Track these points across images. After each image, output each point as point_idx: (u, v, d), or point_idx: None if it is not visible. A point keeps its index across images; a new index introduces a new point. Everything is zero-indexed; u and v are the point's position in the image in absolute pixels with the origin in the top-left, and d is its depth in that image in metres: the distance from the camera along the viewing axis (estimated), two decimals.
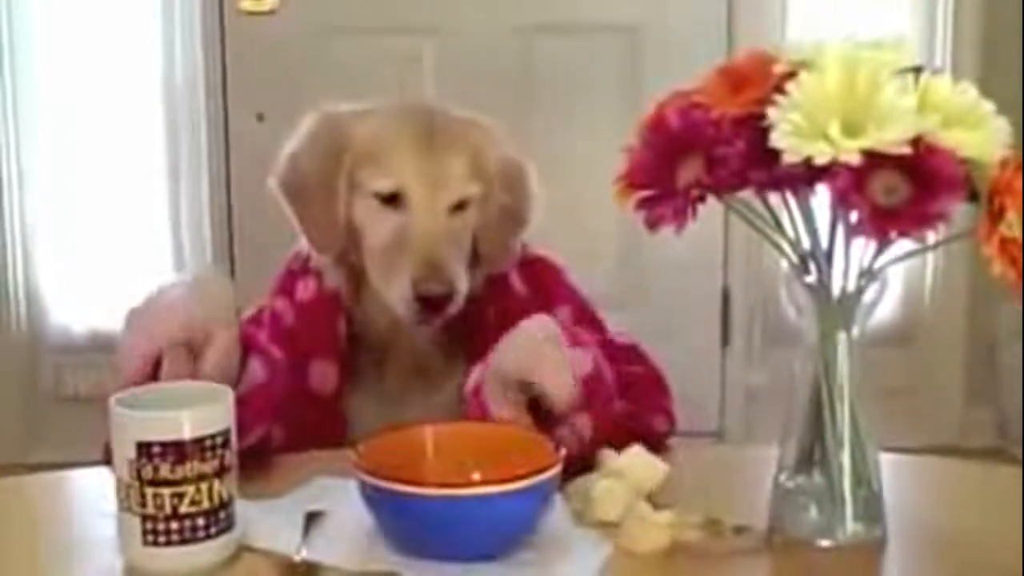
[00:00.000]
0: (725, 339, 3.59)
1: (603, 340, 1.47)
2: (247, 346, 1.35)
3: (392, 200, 1.49)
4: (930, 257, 3.40)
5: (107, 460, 1.40)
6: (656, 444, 1.30)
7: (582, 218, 3.38)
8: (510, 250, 1.57)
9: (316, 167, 1.51)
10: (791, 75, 1.10)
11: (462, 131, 1.54)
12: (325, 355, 1.53)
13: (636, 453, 1.25)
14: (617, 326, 1.60)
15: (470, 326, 1.54)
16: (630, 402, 1.40)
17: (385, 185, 1.49)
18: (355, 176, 1.50)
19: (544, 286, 1.60)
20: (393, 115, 1.54)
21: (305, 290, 1.55)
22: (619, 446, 1.26)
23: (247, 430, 1.33)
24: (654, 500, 1.21)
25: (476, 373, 1.36)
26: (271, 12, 3.42)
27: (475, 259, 1.54)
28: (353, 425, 1.55)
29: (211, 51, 3.41)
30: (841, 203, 1.07)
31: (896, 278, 1.15)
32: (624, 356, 1.47)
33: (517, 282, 1.58)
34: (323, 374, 1.53)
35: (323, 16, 3.43)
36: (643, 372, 1.49)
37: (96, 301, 3.51)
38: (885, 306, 1.19)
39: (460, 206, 1.51)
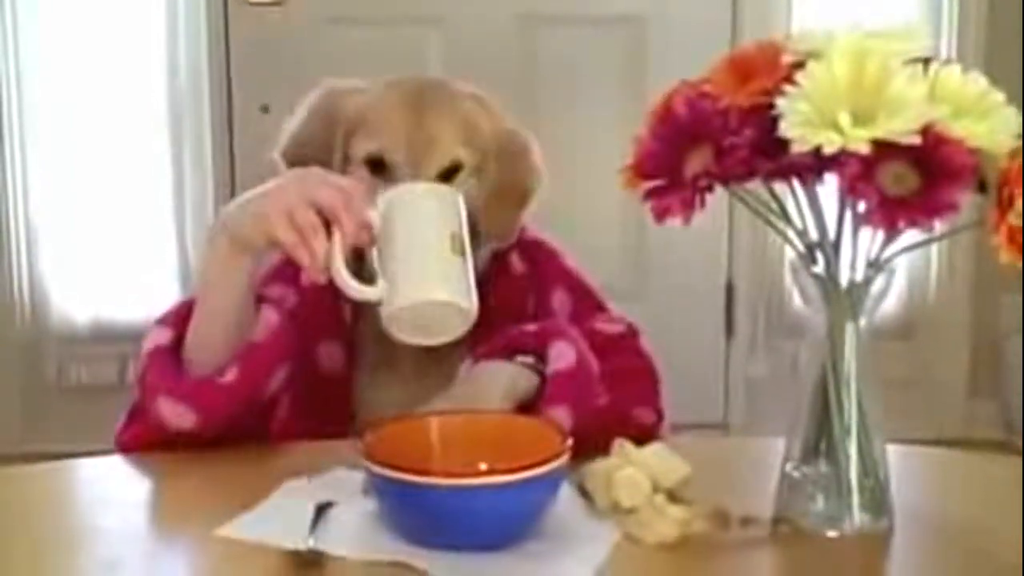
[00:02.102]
0: (729, 331, 3.59)
1: (592, 331, 1.47)
2: (258, 298, 1.41)
3: (379, 167, 1.49)
4: (934, 250, 3.40)
5: (123, 447, 1.41)
6: (642, 437, 1.29)
7: (586, 209, 3.37)
8: (513, 226, 1.56)
9: (313, 139, 1.53)
10: (800, 65, 1.09)
11: (454, 99, 1.53)
12: (331, 336, 1.55)
13: (659, 450, 1.25)
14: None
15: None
16: (616, 395, 1.41)
17: (370, 148, 1.49)
18: (348, 147, 1.51)
19: (542, 268, 1.60)
20: (388, 86, 1.54)
21: (306, 277, 1.54)
22: (603, 439, 1.26)
23: (269, 373, 1.39)
24: (670, 495, 1.21)
25: (466, 365, 1.41)
26: (276, 3, 3.41)
27: (476, 238, 1.53)
28: (360, 405, 1.56)
29: (215, 42, 3.40)
30: (850, 192, 1.07)
31: (900, 271, 1.15)
32: (613, 347, 1.47)
33: (517, 263, 1.59)
34: (330, 355, 1.55)
35: (328, 6, 3.43)
36: (631, 364, 1.50)
37: (99, 292, 3.51)
38: (889, 299, 1.19)
39: (450, 173, 1.49)
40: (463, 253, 1.31)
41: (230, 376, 1.38)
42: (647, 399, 1.48)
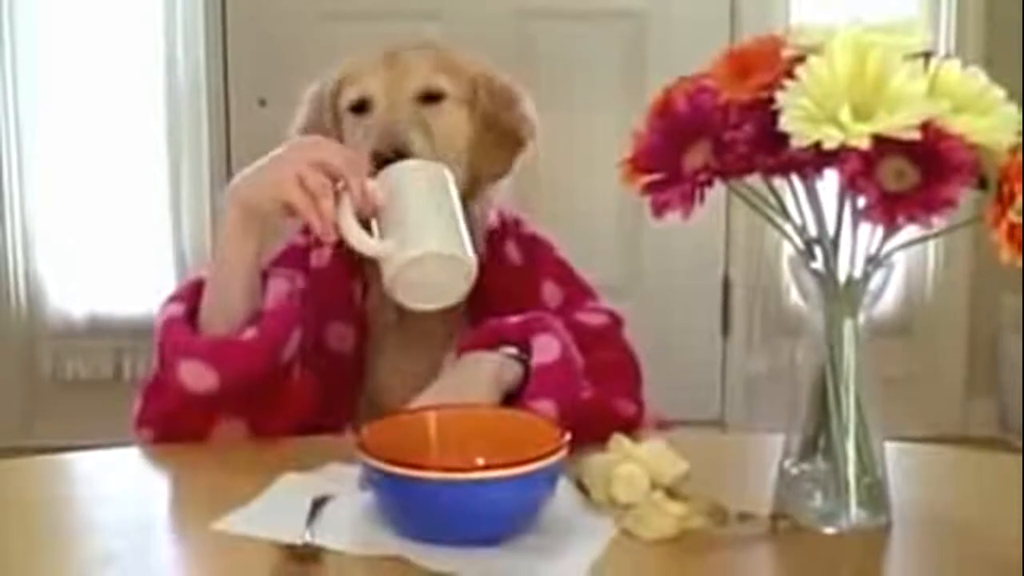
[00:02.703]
0: (726, 327, 3.59)
1: (575, 323, 1.49)
2: (264, 273, 1.44)
3: (361, 109, 1.55)
4: (931, 247, 3.40)
5: (145, 425, 1.43)
6: (624, 429, 1.30)
7: (583, 206, 3.38)
8: (507, 166, 1.60)
9: (311, 122, 1.60)
10: (800, 60, 1.09)
11: (433, 45, 1.62)
12: (342, 317, 1.57)
13: (657, 447, 1.24)
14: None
15: (472, 291, 1.56)
16: (598, 388, 1.42)
17: (353, 94, 1.56)
18: (336, 106, 1.58)
19: (535, 259, 1.63)
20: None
21: (319, 259, 1.59)
22: (585, 432, 1.25)
23: (285, 335, 1.41)
24: (668, 491, 1.21)
25: (451, 357, 1.44)
26: None
27: (473, 184, 1.56)
28: (371, 385, 1.59)
29: (213, 36, 3.40)
30: (850, 188, 1.07)
31: (898, 268, 1.15)
32: (596, 339, 1.49)
33: (514, 254, 1.62)
34: (341, 336, 1.57)
35: (325, 0, 3.42)
36: (614, 357, 1.51)
37: (95, 286, 3.51)
38: (886, 296, 1.19)
39: (430, 99, 1.55)
40: (458, 218, 1.36)
41: (249, 334, 1.39)
42: (628, 391, 1.49)
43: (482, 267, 1.56)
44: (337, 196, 1.32)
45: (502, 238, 1.61)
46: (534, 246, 1.64)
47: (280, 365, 1.42)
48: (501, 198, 1.64)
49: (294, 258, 1.57)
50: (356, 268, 1.58)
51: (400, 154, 1.46)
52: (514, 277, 1.59)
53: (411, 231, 1.32)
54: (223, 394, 1.38)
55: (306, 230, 1.59)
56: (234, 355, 1.38)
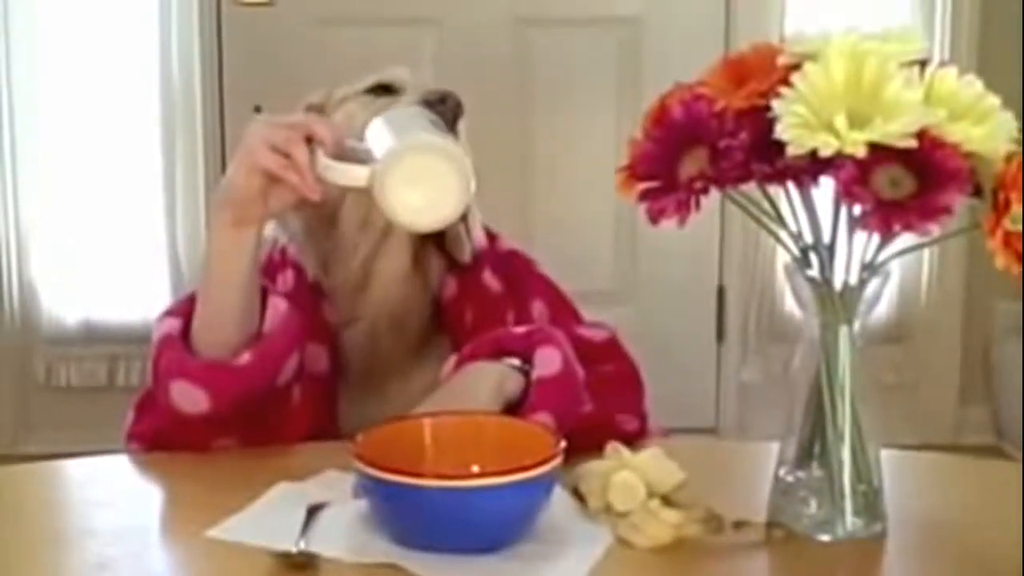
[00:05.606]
0: (720, 335, 3.59)
1: (577, 337, 1.47)
2: (264, 290, 1.42)
3: (383, 90, 1.53)
4: (926, 254, 3.40)
5: (135, 440, 1.42)
6: (626, 444, 1.29)
7: (578, 213, 3.38)
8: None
9: None
10: (796, 67, 1.09)
11: None
12: (314, 338, 1.53)
13: (654, 455, 1.24)
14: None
15: (450, 328, 1.57)
16: (599, 402, 1.41)
17: (376, 79, 1.54)
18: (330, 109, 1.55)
19: (517, 280, 1.61)
20: None
21: (285, 283, 1.56)
22: (586, 446, 1.25)
23: (282, 359, 1.40)
24: (664, 499, 1.21)
25: (450, 363, 1.41)
26: (268, 3, 3.41)
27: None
28: (343, 413, 1.55)
29: (208, 42, 3.40)
30: (845, 196, 1.07)
31: (892, 275, 1.16)
32: (596, 354, 1.47)
33: (491, 280, 1.59)
34: (315, 356, 1.53)
35: (321, 7, 3.42)
36: (614, 370, 1.49)
37: (89, 293, 3.50)
38: (881, 303, 1.19)
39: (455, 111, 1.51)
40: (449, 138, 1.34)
41: (244, 359, 1.38)
42: (631, 406, 1.48)
43: (461, 298, 1.55)
44: (308, 144, 1.31)
45: (479, 268, 1.58)
46: (513, 267, 1.61)
47: (276, 388, 1.40)
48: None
49: (270, 274, 1.54)
50: (321, 291, 1.55)
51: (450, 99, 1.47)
52: (497, 307, 1.57)
53: (396, 142, 1.29)
54: (215, 417, 1.37)
55: (275, 246, 1.57)
56: (227, 379, 1.37)
